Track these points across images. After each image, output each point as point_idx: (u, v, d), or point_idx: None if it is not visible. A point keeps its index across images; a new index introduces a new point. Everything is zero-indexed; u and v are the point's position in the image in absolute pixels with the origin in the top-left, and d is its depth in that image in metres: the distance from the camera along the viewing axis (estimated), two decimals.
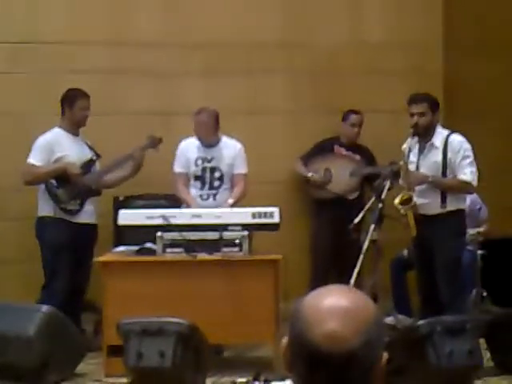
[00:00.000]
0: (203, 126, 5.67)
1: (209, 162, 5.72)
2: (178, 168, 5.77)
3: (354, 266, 5.95)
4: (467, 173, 5.20)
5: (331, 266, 6.35)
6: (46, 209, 5.53)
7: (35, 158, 5.47)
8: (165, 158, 5.85)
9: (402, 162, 5.33)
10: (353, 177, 6.33)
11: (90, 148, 5.72)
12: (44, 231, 5.51)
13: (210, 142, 5.73)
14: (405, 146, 5.36)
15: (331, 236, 6.23)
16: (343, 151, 6.46)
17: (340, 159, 6.43)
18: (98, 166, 5.74)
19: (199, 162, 5.73)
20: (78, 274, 5.45)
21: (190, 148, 5.76)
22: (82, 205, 5.55)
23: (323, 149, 6.45)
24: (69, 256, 5.38)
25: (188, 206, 5.57)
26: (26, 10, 6.27)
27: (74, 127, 5.65)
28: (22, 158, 5.59)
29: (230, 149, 5.75)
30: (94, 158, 5.69)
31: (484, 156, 5.60)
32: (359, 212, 5.99)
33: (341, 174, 6.34)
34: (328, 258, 6.31)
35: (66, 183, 5.48)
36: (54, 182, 5.49)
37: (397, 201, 5.19)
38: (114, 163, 5.69)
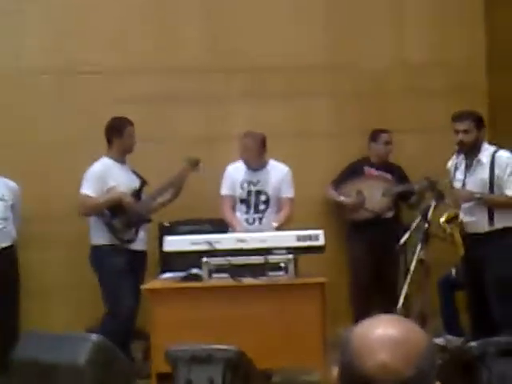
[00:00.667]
0: (249, 149, 5.71)
1: (254, 185, 5.75)
2: (224, 191, 5.81)
3: (395, 286, 5.97)
4: None
5: (372, 288, 6.29)
6: (102, 238, 5.56)
7: (89, 189, 5.52)
8: (210, 183, 5.89)
9: (446, 180, 5.27)
10: (385, 196, 6.28)
11: (137, 175, 5.78)
12: (103, 259, 5.53)
13: (256, 165, 5.76)
14: (450, 164, 5.30)
15: (370, 257, 6.18)
16: (374, 171, 6.42)
17: (371, 180, 6.38)
18: (144, 192, 5.79)
19: (245, 185, 5.76)
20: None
21: (236, 171, 5.81)
22: (137, 233, 5.61)
23: (354, 171, 6.42)
24: (130, 282, 5.40)
25: (234, 230, 5.59)
26: (72, 40, 6.39)
27: (123, 155, 5.72)
28: (70, 186, 5.69)
29: (277, 172, 5.77)
30: (142, 184, 5.75)
31: None
32: (397, 231, 5.98)
33: (373, 195, 6.29)
34: (368, 279, 6.25)
35: (120, 213, 5.53)
36: (107, 212, 5.54)
37: (443, 219, 5.13)
38: (161, 189, 5.75)
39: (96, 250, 5.59)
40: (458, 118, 5.26)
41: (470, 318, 5.45)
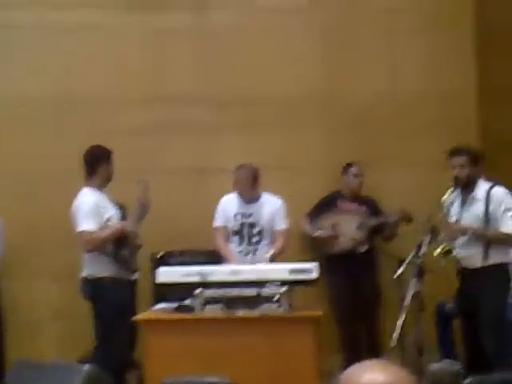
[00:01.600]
0: (242, 182, 5.73)
1: (248, 217, 5.76)
2: (217, 222, 5.81)
3: (375, 318, 6.05)
4: (509, 225, 5.15)
5: (356, 323, 6.32)
6: (104, 270, 5.42)
7: (90, 225, 5.34)
8: (203, 215, 5.88)
9: (440, 214, 5.28)
10: (360, 229, 6.30)
11: (114, 202, 5.63)
12: (103, 292, 5.38)
13: (249, 197, 5.76)
14: (445, 198, 5.31)
15: (349, 289, 6.20)
16: (348, 205, 6.43)
17: (345, 213, 6.39)
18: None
19: (238, 217, 5.78)
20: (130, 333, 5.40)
21: (230, 203, 5.82)
22: (136, 262, 5.55)
23: (327, 204, 6.43)
24: (129, 315, 5.25)
25: (228, 261, 5.57)
26: (60, 69, 6.38)
27: (105, 184, 5.57)
28: (58, 215, 5.62)
29: (271, 205, 5.80)
30: (124, 211, 5.65)
31: None
32: (372, 265, 6.01)
33: (348, 228, 6.31)
34: (350, 315, 6.27)
35: (124, 243, 5.44)
36: (111, 244, 5.42)
37: (437, 251, 5.13)
38: (139, 210, 5.63)
39: (92, 283, 5.45)
40: (453, 153, 5.30)
41: (465, 351, 5.44)
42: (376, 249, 6.36)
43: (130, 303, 5.44)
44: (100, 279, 5.44)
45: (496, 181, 5.36)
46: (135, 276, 5.57)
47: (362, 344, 6.31)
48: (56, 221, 5.82)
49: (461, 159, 5.26)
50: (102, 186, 5.57)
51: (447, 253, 5.13)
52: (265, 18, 6.62)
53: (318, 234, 6.33)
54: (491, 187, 5.28)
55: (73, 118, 6.36)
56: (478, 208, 5.26)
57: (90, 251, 5.41)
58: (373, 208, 6.40)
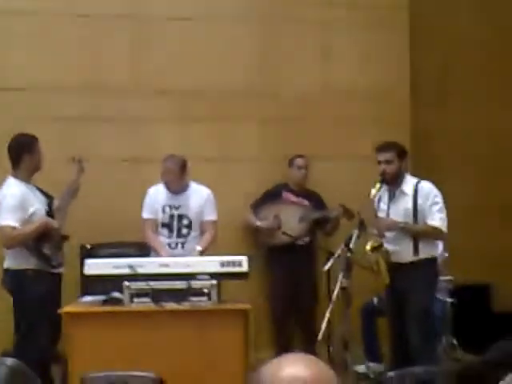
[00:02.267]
0: (169, 172, 5.65)
1: (176, 209, 5.69)
2: (146, 214, 5.73)
3: (311, 311, 6.02)
4: (436, 218, 5.22)
5: (291, 315, 6.35)
6: (24, 262, 5.27)
7: (12, 220, 5.17)
8: (134, 206, 5.81)
9: (369, 209, 5.32)
10: (302, 222, 6.33)
11: (41, 191, 5.47)
12: (24, 285, 5.25)
13: (176, 188, 5.69)
14: (373, 192, 5.35)
15: (287, 283, 6.24)
16: (292, 197, 6.48)
17: (288, 205, 6.43)
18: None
19: (167, 209, 5.70)
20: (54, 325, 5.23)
21: (158, 194, 5.73)
22: (63, 255, 5.41)
23: (272, 195, 6.47)
24: (52, 308, 5.11)
25: (158, 253, 5.51)
26: None
27: (31, 174, 5.38)
28: None
29: (199, 195, 5.72)
30: (51, 202, 5.48)
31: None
32: (311, 257, 6.05)
33: (290, 220, 6.35)
34: (286, 307, 6.31)
35: (47, 238, 5.29)
36: (32, 240, 5.26)
37: (367, 247, 5.17)
38: (66, 199, 5.55)
39: (16, 275, 5.30)
40: (380, 148, 5.35)
41: (390, 346, 5.50)
42: (316, 243, 6.38)
43: (54, 296, 5.31)
44: (21, 271, 5.30)
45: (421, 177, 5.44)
46: (60, 270, 5.46)
47: (293, 339, 6.35)
48: None
49: (388, 154, 5.31)
50: (28, 176, 5.39)
51: (377, 248, 5.17)
52: (201, 7, 6.57)
53: (259, 224, 6.35)
54: (418, 182, 5.35)
55: (4, 104, 6.21)
56: (406, 202, 5.31)
57: (9, 247, 5.27)
58: (317, 202, 6.44)
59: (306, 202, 6.45)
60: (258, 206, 6.45)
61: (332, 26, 6.75)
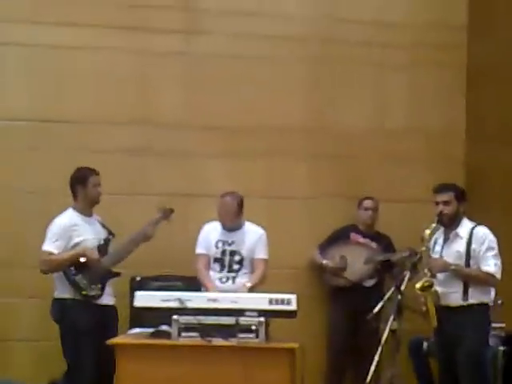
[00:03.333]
0: (227, 209, 5.73)
1: (229, 245, 5.76)
2: (199, 249, 5.81)
3: (371, 355, 5.90)
4: (491, 264, 5.14)
5: (348, 355, 6.31)
6: (66, 291, 5.37)
7: (52, 246, 5.34)
8: (184, 240, 5.86)
9: (423, 248, 5.25)
10: (367, 264, 6.30)
11: (104, 226, 5.64)
12: (65, 314, 5.34)
13: (232, 225, 5.77)
14: (428, 232, 5.26)
15: (348, 324, 6.22)
16: (360, 238, 6.49)
17: (355, 246, 6.44)
18: (112, 244, 5.62)
19: (220, 244, 5.77)
20: (105, 357, 5.16)
21: (212, 230, 5.83)
22: (103, 289, 5.44)
23: (340, 236, 6.50)
24: (92, 339, 5.20)
25: (207, 289, 5.53)
26: (54, 89, 6.37)
27: (88, 206, 5.55)
28: (42, 235, 5.56)
29: (252, 234, 5.81)
30: (110, 237, 5.60)
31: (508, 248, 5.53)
32: (377, 300, 5.93)
33: (356, 262, 6.35)
34: (345, 346, 6.30)
35: (84, 269, 5.36)
36: (71, 268, 5.36)
37: (418, 286, 5.11)
38: (130, 242, 5.59)
39: (58, 304, 5.41)
40: (439, 189, 5.31)
41: None
42: (384, 285, 6.31)
43: (98, 327, 5.30)
44: (62, 300, 5.40)
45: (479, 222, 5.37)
46: (104, 301, 5.46)
47: (346, 377, 6.31)
48: (39, 240, 5.71)
49: (445, 195, 5.27)
50: (85, 208, 5.55)
51: (427, 288, 5.10)
52: (254, 46, 6.62)
53: (325, 262, 6.38)
54: (474, 226, 5.28)
55: (60, 137, 6.31)
56: (459, 245, 5.24)
57: (45, 272, 5.41)
58: (386, 245, 6.44)
59: (374, 244, 6.45)
60: (325, 246, 6.49)
61: (385, 63, 6.75)
